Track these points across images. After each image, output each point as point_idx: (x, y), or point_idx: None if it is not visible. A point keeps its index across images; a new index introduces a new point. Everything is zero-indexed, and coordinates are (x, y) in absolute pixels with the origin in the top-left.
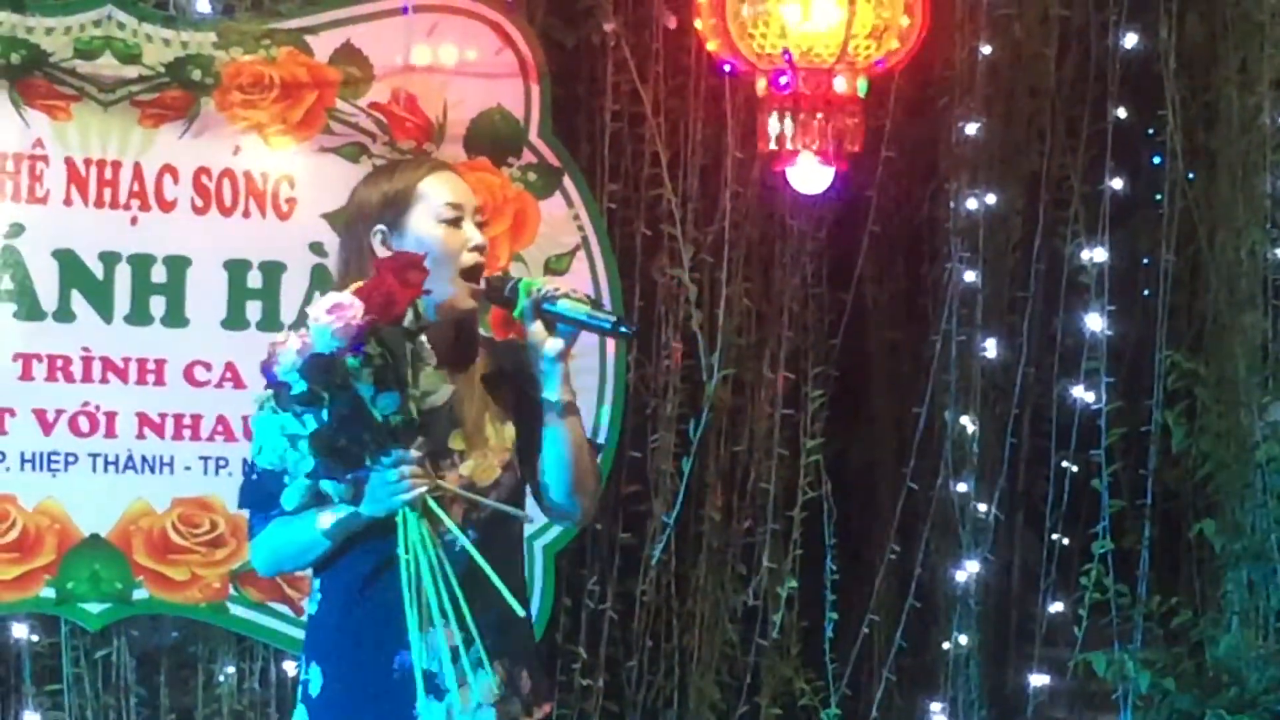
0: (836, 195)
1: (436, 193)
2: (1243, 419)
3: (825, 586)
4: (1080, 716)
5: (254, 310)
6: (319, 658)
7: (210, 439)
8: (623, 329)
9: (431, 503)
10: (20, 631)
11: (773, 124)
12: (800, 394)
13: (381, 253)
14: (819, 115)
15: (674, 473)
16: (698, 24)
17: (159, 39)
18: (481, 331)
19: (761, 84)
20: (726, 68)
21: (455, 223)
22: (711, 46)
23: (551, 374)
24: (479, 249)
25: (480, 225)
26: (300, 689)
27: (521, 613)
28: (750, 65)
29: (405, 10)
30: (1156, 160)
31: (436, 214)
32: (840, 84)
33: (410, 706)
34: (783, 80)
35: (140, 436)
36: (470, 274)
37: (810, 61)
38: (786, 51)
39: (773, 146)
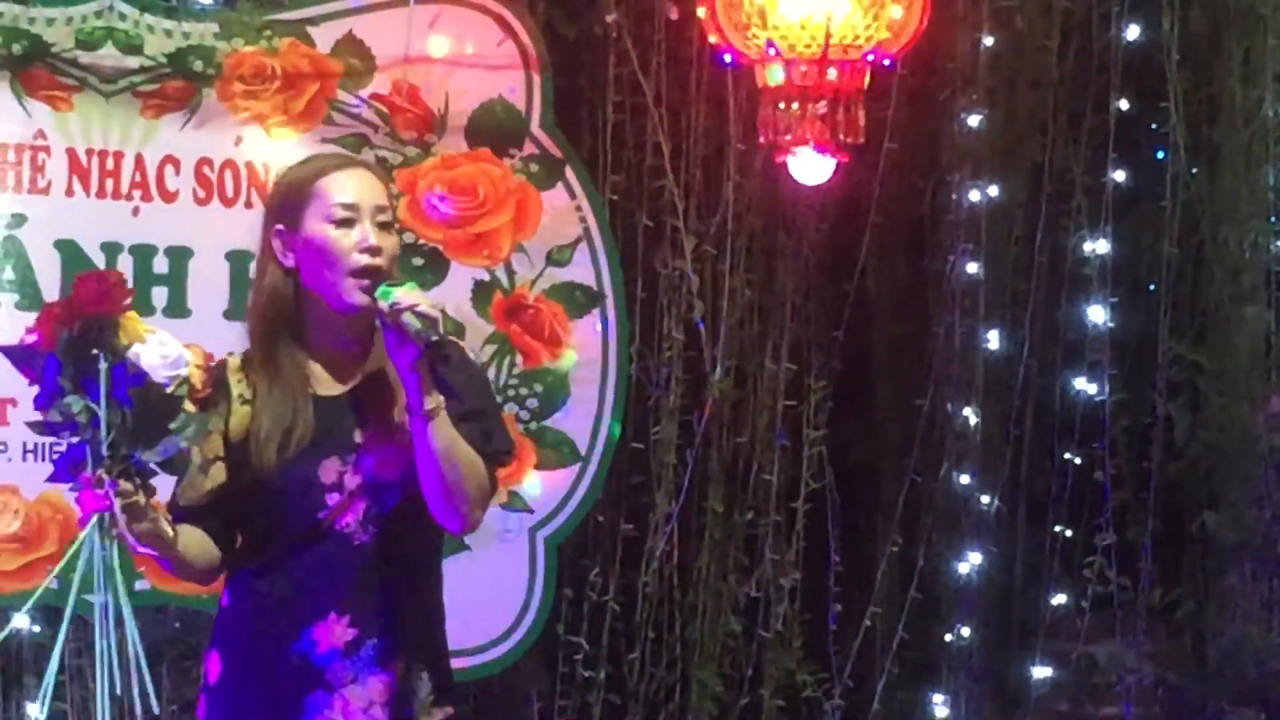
0: (838, 187)
1: (331, 192)
2: (1245, 411)
3: (828, 578)
4: (1082, 709)
5: None
6: (220, 646)
7: None
8: (435, 356)
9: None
10: (21, 622)
11: (774, 115)
12: (803, 386)
13: (280, 254)
14: (820, 106)
15: (677, 464)
16: (700, 13)
17: (160, 30)
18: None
19: (775, 73)
20: (727, 58)
21: (347, 224)
22: (713, 39)
23: (406, 383)
24: (370, 250)
25: (384, 226)
26: (202, 678)
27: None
28: (763, 54)
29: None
30: (1159, 153)
31: (328, 214)
32: (854, 74)
33: (301, 699)
34: (801, 69)
35: None
36: (362, 274)
37: (844, 54)
38: (770, 43)
39: (774, 138)
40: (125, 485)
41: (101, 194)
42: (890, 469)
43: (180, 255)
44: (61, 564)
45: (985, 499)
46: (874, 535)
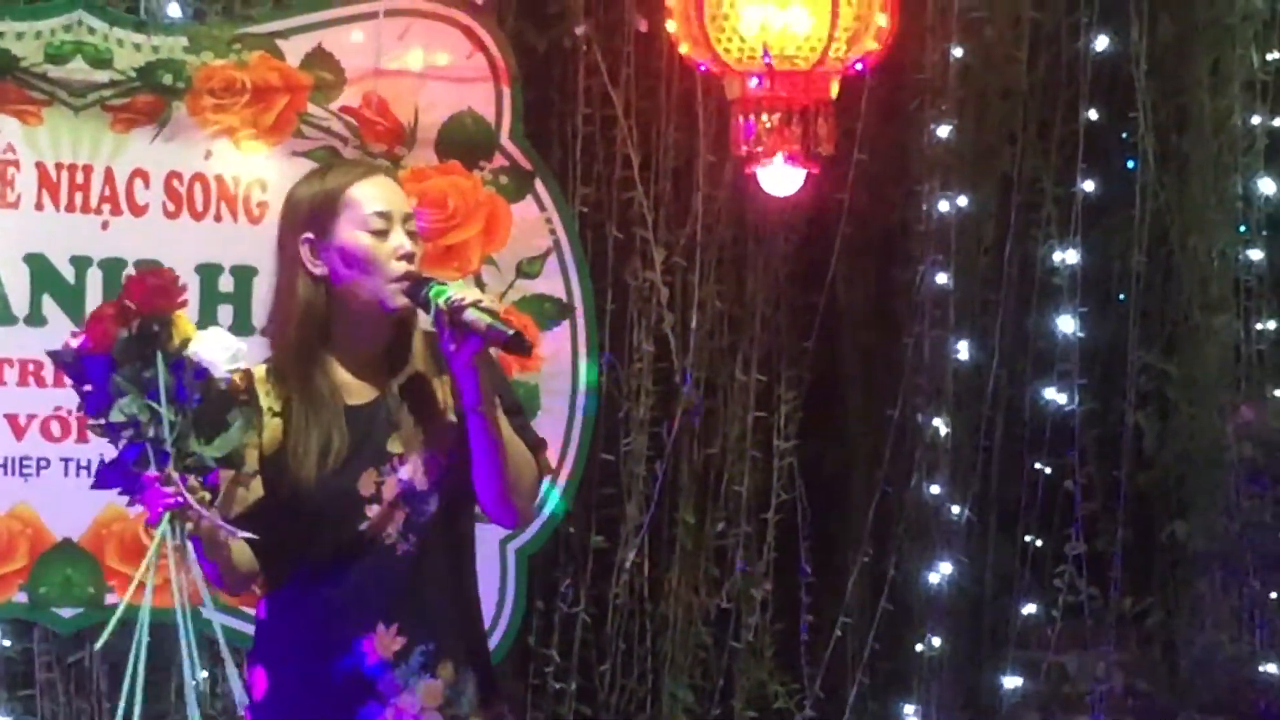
0: (809, 198)
1: (364, 201)
2: (1215, 420)
3: (799, 589)
4: (1054, 718)
5: (225, 314)
6: (264, 662)
7: None
8: (518, 345)
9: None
10: None
11: (744, 126)
12: (773, 396)
13: (309, 262)
14: (791, 117)
15: (647, 476)
16: (670, 26)
17: (130, 43)
18: (427, 327)
19: (733, 86)
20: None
21: (382, 232)
22: (684, 49)
23: (463, 381)
24: (407, 257)
25: (412, 234)
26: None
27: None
28: (724, 67)
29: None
30: (1128, 163)
31: (363, 223)
32: (819, 86)
33: (353, 712)
34: (751, 84)
35: None
36: (400, 280)
37: (793, 65)
38: (766, 51)
39: (744, 149)
40: (194, 481)
41: (71, 208)
42: (861, 479)
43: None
44: (145, 563)
45: (955, 509)
46: (845, 546)
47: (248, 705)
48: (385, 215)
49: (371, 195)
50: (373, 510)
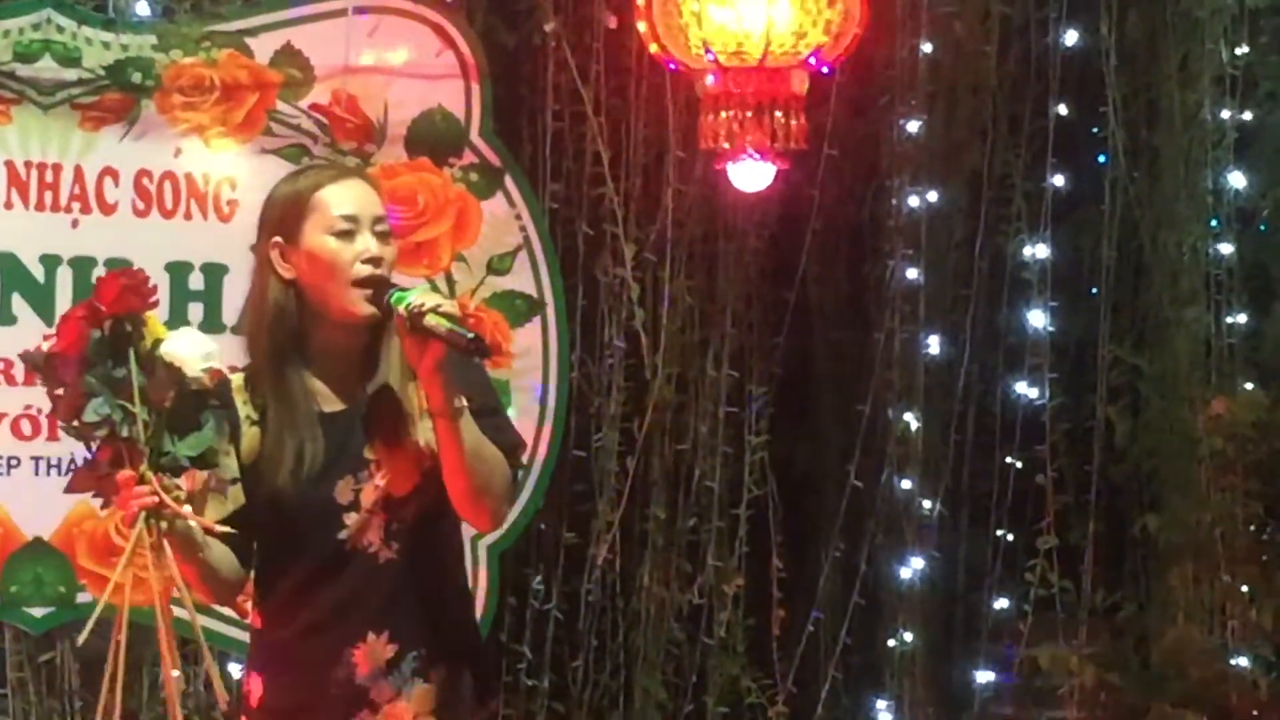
0: (778, 193)
1: (332, 204)
2: (1185, 414)
3: (771, 584)
4: (1026, 712)
5: (196, 312)
6: (259, 669)
7: None
8: (478, 349)
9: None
10: None
11: (713, 122)
12: (744, 392)
13: (279, 265)
14: (759, 113)
15: (618, 471)
16: (641, 27)
17: (98, 42)
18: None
19: (700, 83)
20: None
21: (348, 235)
22: (654, 49)
23: (428, 387)
24: (373, 261)
25: (382, 236)
26: (242, 700)
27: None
28: (685, 65)
29: (362, 14)
30: (1099, 157)
31: (329, 226)
32: (780, 81)
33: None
34: (709, 80)
35: None
36: (364, 285)
37: (742, 60)
38: (709, 49)
39: (714, 145)
40: (168, 480)
41: (40, 206)
42: (832, 475)
43: (119, 267)
44: (122, 563)
45: (927, 504)
46: (816, 541)
47: (243, 710)
48: (352, 218)
49: (340, 198)
50: (351, 518)
